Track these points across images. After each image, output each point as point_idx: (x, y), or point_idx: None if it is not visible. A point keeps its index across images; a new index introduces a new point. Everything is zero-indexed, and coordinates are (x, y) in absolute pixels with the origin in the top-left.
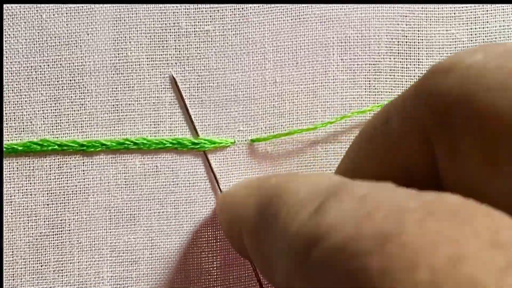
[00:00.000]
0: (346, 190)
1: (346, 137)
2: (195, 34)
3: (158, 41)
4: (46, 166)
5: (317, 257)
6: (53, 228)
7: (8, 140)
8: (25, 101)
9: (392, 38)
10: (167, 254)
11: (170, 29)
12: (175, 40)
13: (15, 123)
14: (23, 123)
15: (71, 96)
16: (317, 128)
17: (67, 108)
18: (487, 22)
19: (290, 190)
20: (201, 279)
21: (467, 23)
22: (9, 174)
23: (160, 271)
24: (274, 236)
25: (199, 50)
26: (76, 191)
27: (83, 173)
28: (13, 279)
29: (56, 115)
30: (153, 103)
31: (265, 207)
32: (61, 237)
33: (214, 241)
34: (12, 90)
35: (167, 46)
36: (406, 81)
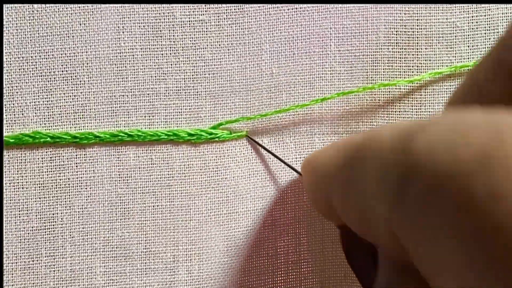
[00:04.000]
0: (433, 122)
1: (344, 128)
2: (190, 24)
3: (152, 31)
4: (38, 159)
5: (416, 189)
6: (45, 222)
7: None
8: (17, 92)
9: (390, 28)
10: (161, 249)
11: (164, 19)
12: (169, 30)
13: (6, 115)
14: (14, 115)
15: (64, 88)
16: (309, 105)
17: (60, 100)
18: (489, 9)
19: (375, 137)
20: (195, 275)
21: (468, 11)
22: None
23: (154, 267)
24: (365, 183)
25: (194, 40)
26: (68, 184)
27: (76, 166)
28: (5, 275)
29: (48, 107)
30: (148, 94)
31: (353, 156)
32: (53, 231)
33: (210, 237)
34: (4, 82)
35: (161, 36)
36: (405, 72)
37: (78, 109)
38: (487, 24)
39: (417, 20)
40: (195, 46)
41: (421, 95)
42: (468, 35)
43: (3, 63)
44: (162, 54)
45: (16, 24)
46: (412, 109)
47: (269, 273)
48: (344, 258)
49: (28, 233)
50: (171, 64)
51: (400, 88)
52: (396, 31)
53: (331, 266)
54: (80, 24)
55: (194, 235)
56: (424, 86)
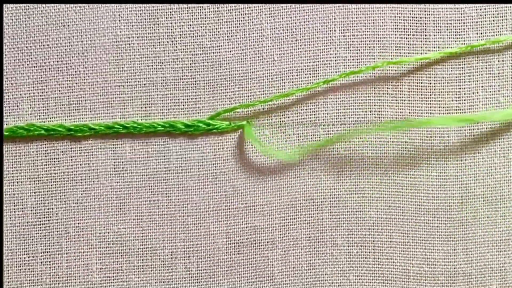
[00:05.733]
0: None
1: (350, 118)
2: (188, 10)
3: (149, 18)
4: (32, 152)
5: None
6: (40, 218)
7: None
8: (11, 84)
9: (397, 13)
10: (159, 245)
11: (161, 6)
12: (167, 18)
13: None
14: (9, 107)
15: (59, 79)
16: (311, 88)
17: (55, 91)
18: None
19: None
20: (193, 272)
21: None
22: None
23: (152, 264)
24: None
25: (192, 28)
26: (64, 178)
27: (71, 160)
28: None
29: (43, 98)
30: (144, 84)
31: None
32: (49, 226)
33: (208, 232)
34: None
35: (158, 24)
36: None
37: (73, 101)
38: (495, 10)
39: (425, 5)
40: (193, 34)
41: (430, 83)
42: (477, 22)
43: (3, 61)
44: (159, 43)
45: (11, 14)
46: (420, 99)
47: (267, 267)
48: (342, 252)
49: (24, 229)
50: (169, 53)
51: (408, 78)
52: (404, 17)
53: (331, 258)
54: (76, 13)
55: (192, 231)
56: (433, 74)
